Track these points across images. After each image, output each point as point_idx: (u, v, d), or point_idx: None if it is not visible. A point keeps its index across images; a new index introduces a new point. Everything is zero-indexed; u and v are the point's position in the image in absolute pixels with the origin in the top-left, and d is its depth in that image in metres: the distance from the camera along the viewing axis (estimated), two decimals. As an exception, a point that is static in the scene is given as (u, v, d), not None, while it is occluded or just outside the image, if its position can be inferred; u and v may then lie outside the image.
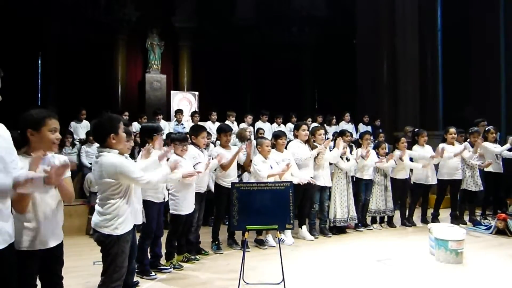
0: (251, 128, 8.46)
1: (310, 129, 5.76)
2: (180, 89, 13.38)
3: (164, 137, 5.62)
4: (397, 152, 6.19)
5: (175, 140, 4.18)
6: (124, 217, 2.69)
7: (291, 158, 5.15)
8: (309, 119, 9.53)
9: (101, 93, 12.09)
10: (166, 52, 13.65)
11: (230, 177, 4.80)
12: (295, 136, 5.53)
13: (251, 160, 5.01)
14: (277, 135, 5.24)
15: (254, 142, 5.40)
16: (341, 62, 13.24)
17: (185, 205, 4.22)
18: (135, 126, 8.33)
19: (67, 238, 2.60)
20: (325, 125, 9.51)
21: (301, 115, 10.13)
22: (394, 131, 9.72)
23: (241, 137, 6.58)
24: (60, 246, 2.40)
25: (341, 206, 5.66)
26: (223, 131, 4.83)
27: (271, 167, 4.86)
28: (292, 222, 3.65)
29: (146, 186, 3.10)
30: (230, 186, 3.88)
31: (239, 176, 5.49)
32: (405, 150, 6.04)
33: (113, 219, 2.65)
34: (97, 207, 2.75)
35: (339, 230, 5.80)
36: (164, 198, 4.03)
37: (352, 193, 5.82)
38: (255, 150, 5.02)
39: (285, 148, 5.33)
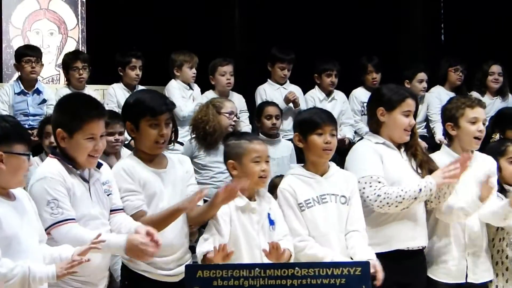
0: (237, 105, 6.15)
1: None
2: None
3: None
4: None
5: None
6: None
7: (353, 198, 3.83)
8: (422, 76, 7.02)
9: None
10: None
11: (167, 252, 3.46)
12: (373, 130, 4.25)
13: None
14: (310, 122, 3.96)
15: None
16: None
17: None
18: None
19: None
20: (472, 93, 6.79)
21: (396, 66, 7.70)
22: None
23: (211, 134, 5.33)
24: None
25: None
26: (158, 111, 3.58)
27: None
28: None
29: None
30: (173, 279, 3.20)
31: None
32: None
33: None
34: None
35: None
36: None
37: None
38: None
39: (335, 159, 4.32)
